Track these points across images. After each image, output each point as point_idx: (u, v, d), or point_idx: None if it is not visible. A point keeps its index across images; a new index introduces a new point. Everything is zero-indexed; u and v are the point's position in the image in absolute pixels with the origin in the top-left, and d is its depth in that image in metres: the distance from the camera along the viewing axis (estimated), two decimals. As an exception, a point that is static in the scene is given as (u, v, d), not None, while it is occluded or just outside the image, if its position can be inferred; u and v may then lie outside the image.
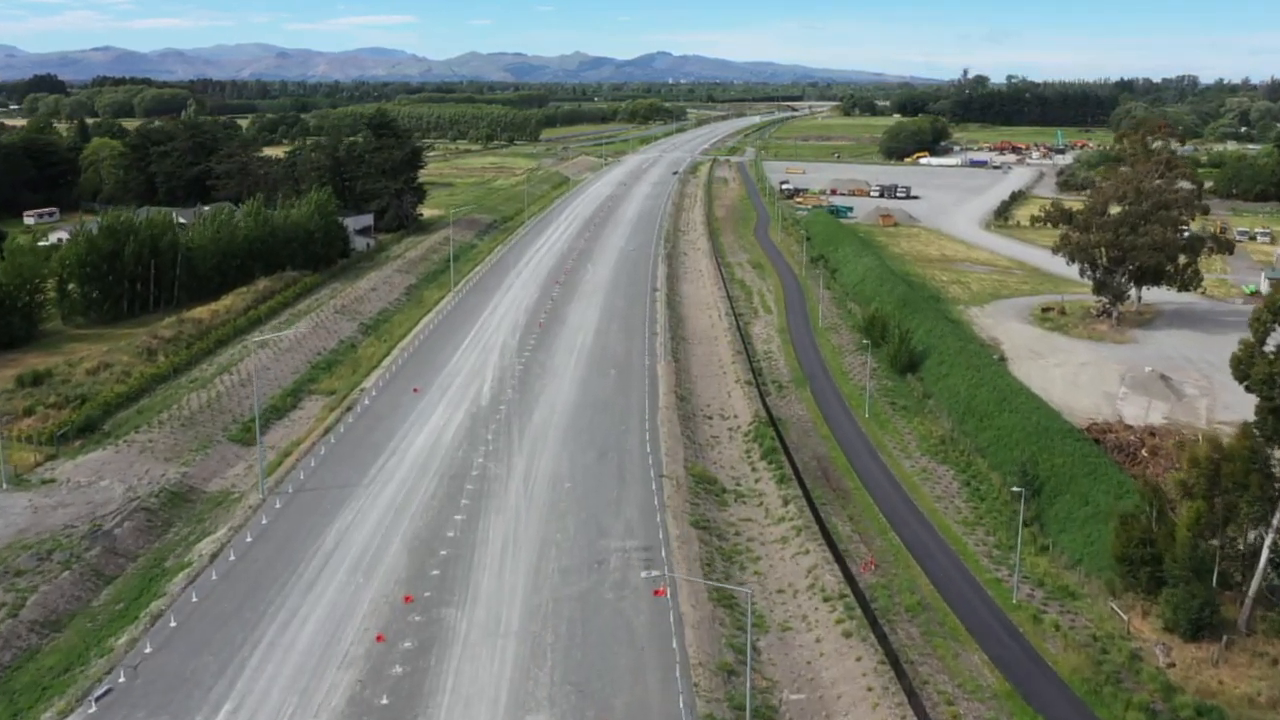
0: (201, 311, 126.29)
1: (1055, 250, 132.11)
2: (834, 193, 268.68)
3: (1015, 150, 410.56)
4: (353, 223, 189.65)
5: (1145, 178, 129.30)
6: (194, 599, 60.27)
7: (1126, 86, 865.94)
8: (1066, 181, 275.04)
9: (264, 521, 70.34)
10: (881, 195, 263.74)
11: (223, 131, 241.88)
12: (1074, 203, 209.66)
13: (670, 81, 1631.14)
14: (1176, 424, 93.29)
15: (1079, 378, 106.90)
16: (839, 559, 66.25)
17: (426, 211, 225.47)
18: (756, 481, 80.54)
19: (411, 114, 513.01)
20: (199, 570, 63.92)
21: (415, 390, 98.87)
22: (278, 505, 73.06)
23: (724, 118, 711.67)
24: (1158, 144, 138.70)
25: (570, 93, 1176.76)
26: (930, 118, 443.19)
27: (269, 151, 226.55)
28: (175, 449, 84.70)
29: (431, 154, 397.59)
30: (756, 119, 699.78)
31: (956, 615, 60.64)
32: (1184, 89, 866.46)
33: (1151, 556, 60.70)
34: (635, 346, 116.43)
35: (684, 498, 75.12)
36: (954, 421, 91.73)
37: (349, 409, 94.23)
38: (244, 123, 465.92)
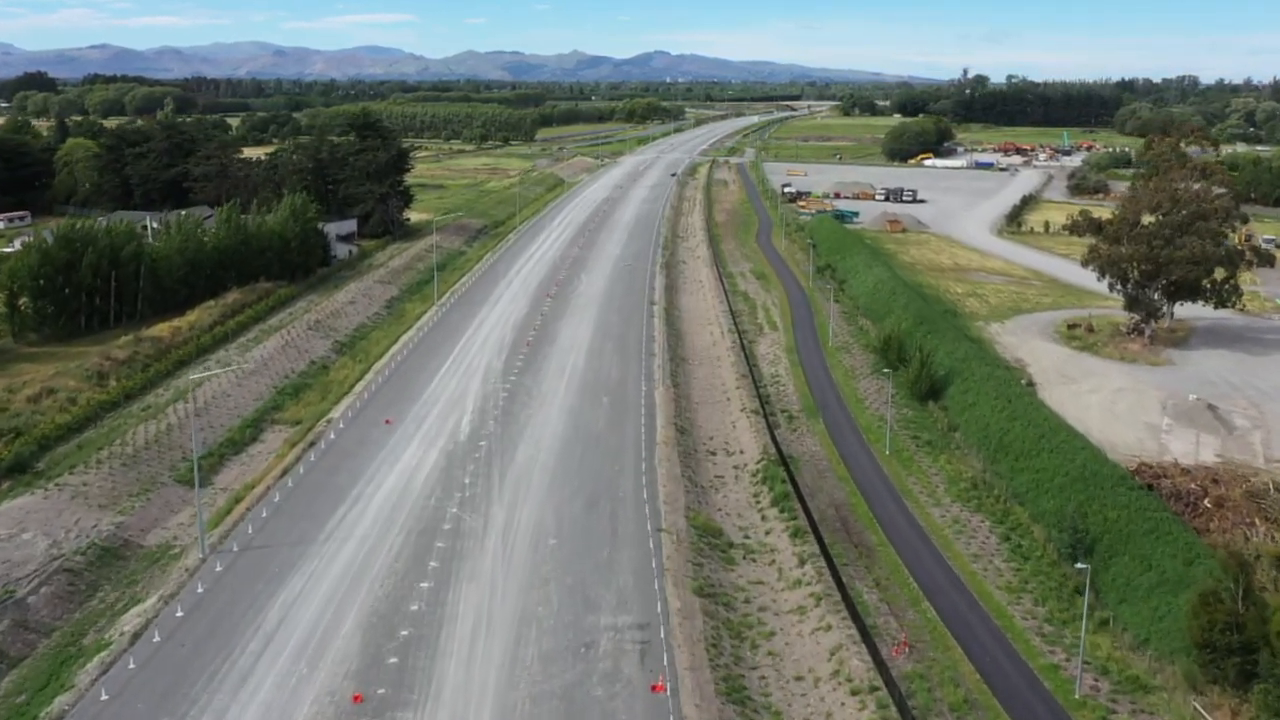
0: (162, 328, 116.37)
1: (1085, 263, 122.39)
2: (838, 196, 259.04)
3: (1019, 151, 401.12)
4: (335, 229, 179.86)
5: (1180, 186, 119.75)
6: (103, 696, 50.48)
7: (1128, 86, 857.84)
8: (1078, 185, 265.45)
9: (200, 590, 60.53)
10: (887, 199, 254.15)
11: (201, 132, 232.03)
12: (1091, 207, 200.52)
13: (668, 81, 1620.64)
14: (1231, 462, 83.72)
15: (1116, 406, 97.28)
16: (866, 638, 56.57)
17: (415, 216, 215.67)
18: (767, 534, 70.88)
19: (405, 113, 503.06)
20: (116, 655, 54.11)
21: (387, 422, 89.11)
22: (218, 568, 63.25)
23: (722, 117, 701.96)
24: (1191, 148, 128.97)
25: (567, 92, 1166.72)
26: (933, 118, 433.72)
27: (260, 151, 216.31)
28: (113, 493, 74.85)
29: (424, 155, 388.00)
30: (755, 119, 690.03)
31: (1011, 717, 50.94)
32: (1185, 89, 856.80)
33: (1240, 644, 51.10)
34: (631, 369, 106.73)
35: (685, 557, 65.45)
36: (985, 461, 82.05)
37: (312, 444, 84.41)
38: (235, 121, 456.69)
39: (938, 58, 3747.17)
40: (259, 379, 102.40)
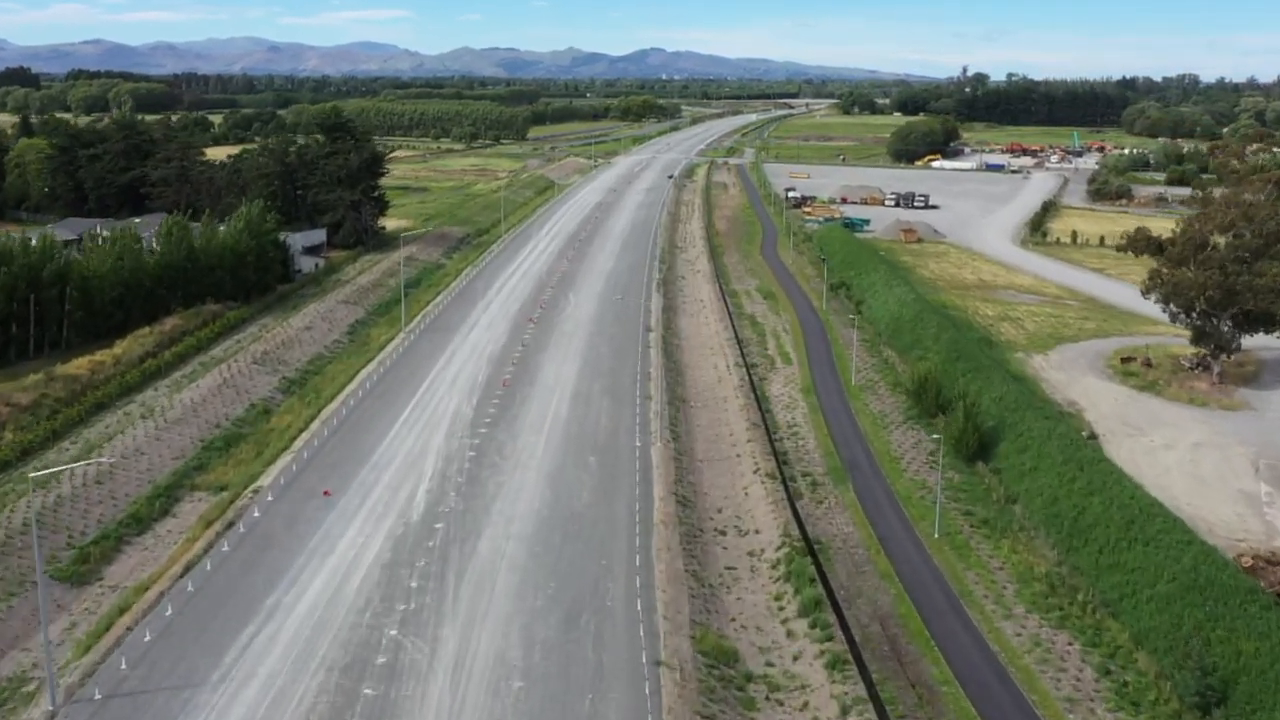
0: (81, 364, 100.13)
1: (1146, 290, 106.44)
2: (845, 201, 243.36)
3: (1026, 152, 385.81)
4: (301, 239, 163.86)
5: (1256, 201, 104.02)
6: None
7: (1129, 85, 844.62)
8: (1099, 190, 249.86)
9: (34, 769, 44.66)
10: (898, 204, 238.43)
11: (164, 131, 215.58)
12: (1117, 215, 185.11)
13: (664, 78, 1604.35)
14: (1358, 548, 68.06)
15: (1200, 468, 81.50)
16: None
17: (393, 222, 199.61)
18: (796, 659, 55.07)
19: (394, 111, 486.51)
20: None
21: (326, 494, 73.08)
22: (68, 729, 47.38)
23: (720, 116, 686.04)
24: (1263, 157, 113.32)
25: (563, 89, 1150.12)
26: (939, 117, 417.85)
27: (240, 150, 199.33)
28: (-35, 598, 58.93)
29: (410, 155, 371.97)
30: (753, 117, 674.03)
31: None
32: (1185, 88, 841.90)
33: None
34: (623, 416, 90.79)
35: (691, 704, 49.61)
36: (1059, 550, 66.26)
37: (231, 524, 68.38)
38: (217, 119, 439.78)
39: (933, 56, 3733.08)
40: (184, 429, 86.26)
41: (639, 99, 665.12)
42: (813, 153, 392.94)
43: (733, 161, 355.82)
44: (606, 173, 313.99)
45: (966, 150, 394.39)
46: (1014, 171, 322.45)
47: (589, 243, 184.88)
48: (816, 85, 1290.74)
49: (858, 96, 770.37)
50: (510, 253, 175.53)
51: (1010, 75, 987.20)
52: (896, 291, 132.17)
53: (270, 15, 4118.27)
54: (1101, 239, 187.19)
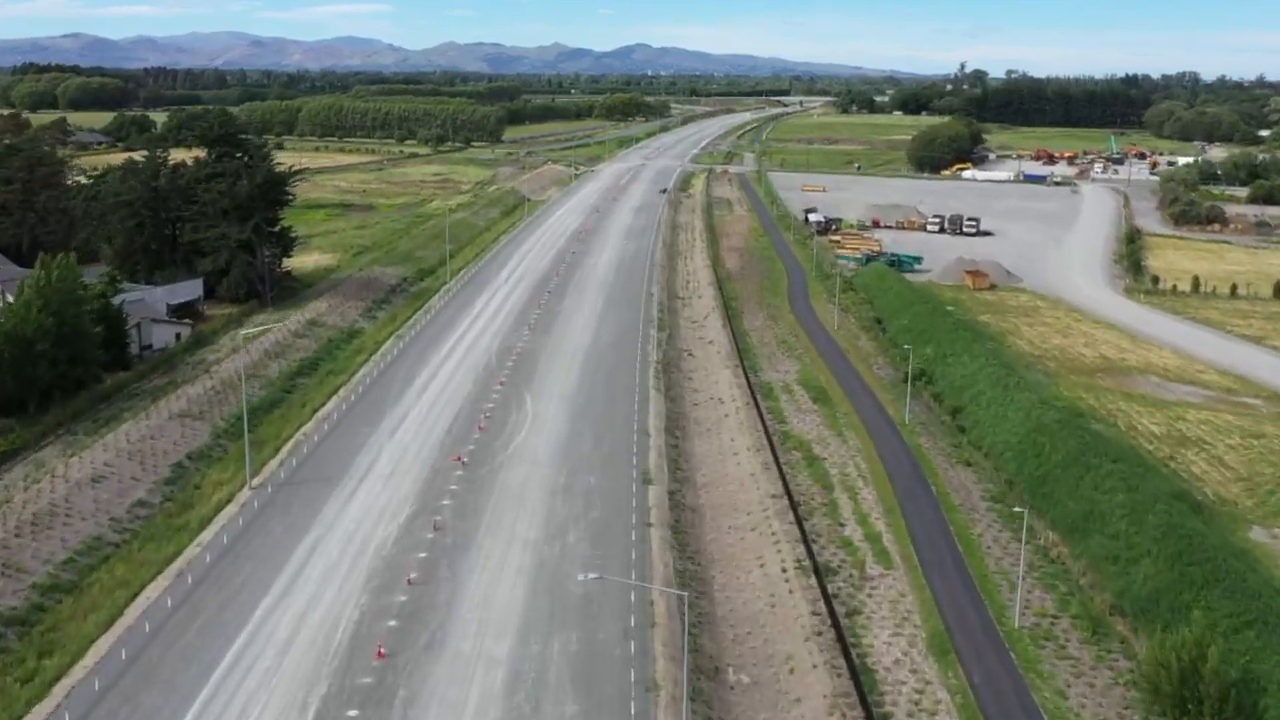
0: None
1: None
2: (877, 225, 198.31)
3: (1054, 159, 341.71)
4: (165, 295, 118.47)
5: None
6: None
7: (1133, 83, 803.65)
8: (1183, 212, 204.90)
9: None
10: (942, 230, 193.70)
11: (29, 142, 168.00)
12: (1215, 244, 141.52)
13: (649, 74, 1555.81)
14: None
15: None
16: None
17: (314, 259, 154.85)
18: None
19: (356, 109, 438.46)
20: None
21: None
22: None
23: (711, 114, 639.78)
24: None
25: (545, 85, 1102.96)
26: (964, 120, 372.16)
27: (188, 155, 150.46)
28: None
29: (368, 159, 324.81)
30: (747, 116, 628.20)
31: None
32: (1186, 86, 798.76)
33: None
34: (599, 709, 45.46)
35: None
36: None
37: None
38: (161, 118, 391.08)
39: (918, 52, 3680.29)
40: None
41: (625, 96, 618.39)
42: (820, 158, 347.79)
43: (732, 169, 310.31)
44: (588, 185, 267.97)
45: (991, 157, 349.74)
46: (1058, 183, 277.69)
47: (561, 294, 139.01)
48: (807, 82, 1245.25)
49: (856, 94, 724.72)
50: (456, 310, 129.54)
51: (1010, 72, 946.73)
52: (1016, 399, 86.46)
53: (251, 9, 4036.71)
54: (1233, 287, 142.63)
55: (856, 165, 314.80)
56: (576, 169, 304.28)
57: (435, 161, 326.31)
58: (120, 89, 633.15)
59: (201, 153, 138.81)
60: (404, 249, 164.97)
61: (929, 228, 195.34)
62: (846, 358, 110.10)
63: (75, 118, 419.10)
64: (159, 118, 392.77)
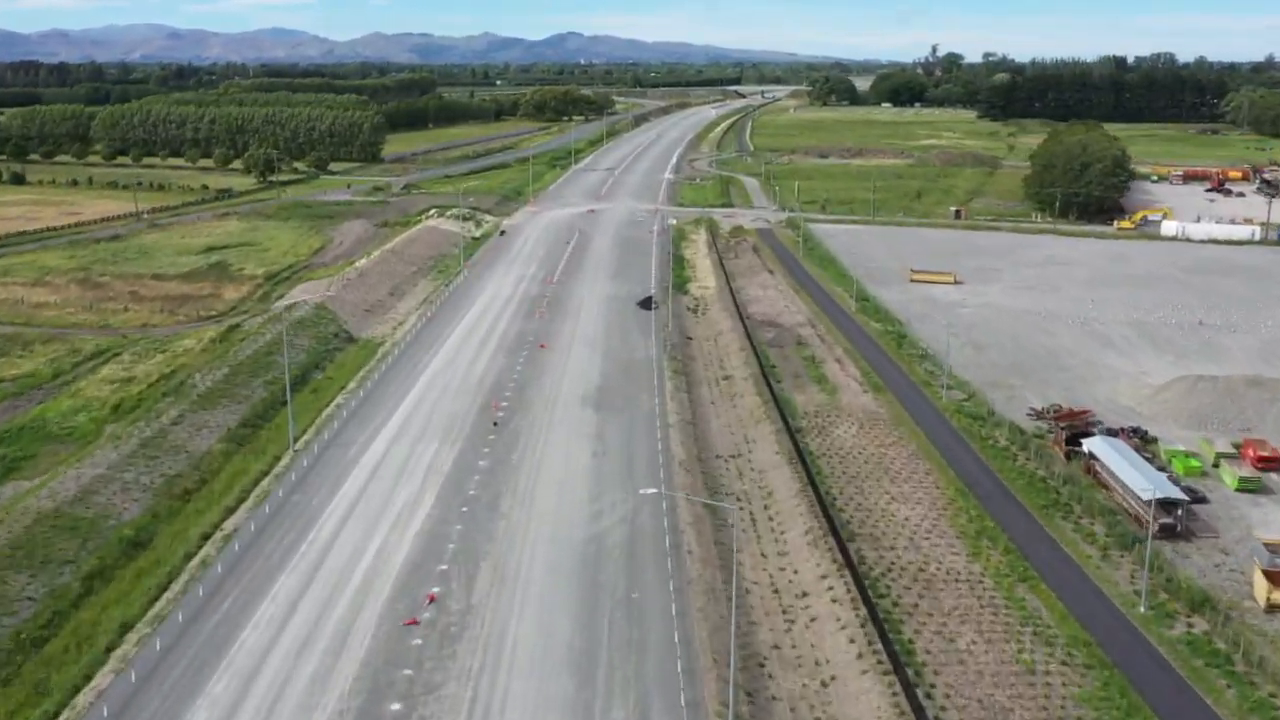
0: None
1: None
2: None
3: (1221, 183, 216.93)
4: None
5: None
6: None
7: (1122, 65, 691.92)
8: None
9: None
10: None
11: None
12: None
13: (583, 63, 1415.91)
14: None
15: None
16: None
17: None
18: None
19: (175, 116, 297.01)
20: None
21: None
22: None
23: (664, 111, 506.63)
24: None
25: (470, 76, 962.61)
26: (1087, 125, 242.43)
27: None
28: None
29: (113, 220, 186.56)
30: (710, 112, 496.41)
31: None
32: (1169, 67, 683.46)
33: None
34: None
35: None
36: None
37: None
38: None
39: (850, 39, 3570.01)
40: None
41: (557, 90, 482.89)
42: (856, 184, 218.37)
43: (744, 218, 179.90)
44: (493, 275, 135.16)
45: (1165, 178, 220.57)
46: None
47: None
48: (761, 69, 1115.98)
49: (835, 83, 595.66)
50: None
51: (987, 55, 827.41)
52: None
53: (174, 2, 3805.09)
54: None
55: (954, 210, 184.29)
56: (476, 219, 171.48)
57: (243, 209, 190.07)
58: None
59: None
60: None
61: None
62: None
63: None
64: None
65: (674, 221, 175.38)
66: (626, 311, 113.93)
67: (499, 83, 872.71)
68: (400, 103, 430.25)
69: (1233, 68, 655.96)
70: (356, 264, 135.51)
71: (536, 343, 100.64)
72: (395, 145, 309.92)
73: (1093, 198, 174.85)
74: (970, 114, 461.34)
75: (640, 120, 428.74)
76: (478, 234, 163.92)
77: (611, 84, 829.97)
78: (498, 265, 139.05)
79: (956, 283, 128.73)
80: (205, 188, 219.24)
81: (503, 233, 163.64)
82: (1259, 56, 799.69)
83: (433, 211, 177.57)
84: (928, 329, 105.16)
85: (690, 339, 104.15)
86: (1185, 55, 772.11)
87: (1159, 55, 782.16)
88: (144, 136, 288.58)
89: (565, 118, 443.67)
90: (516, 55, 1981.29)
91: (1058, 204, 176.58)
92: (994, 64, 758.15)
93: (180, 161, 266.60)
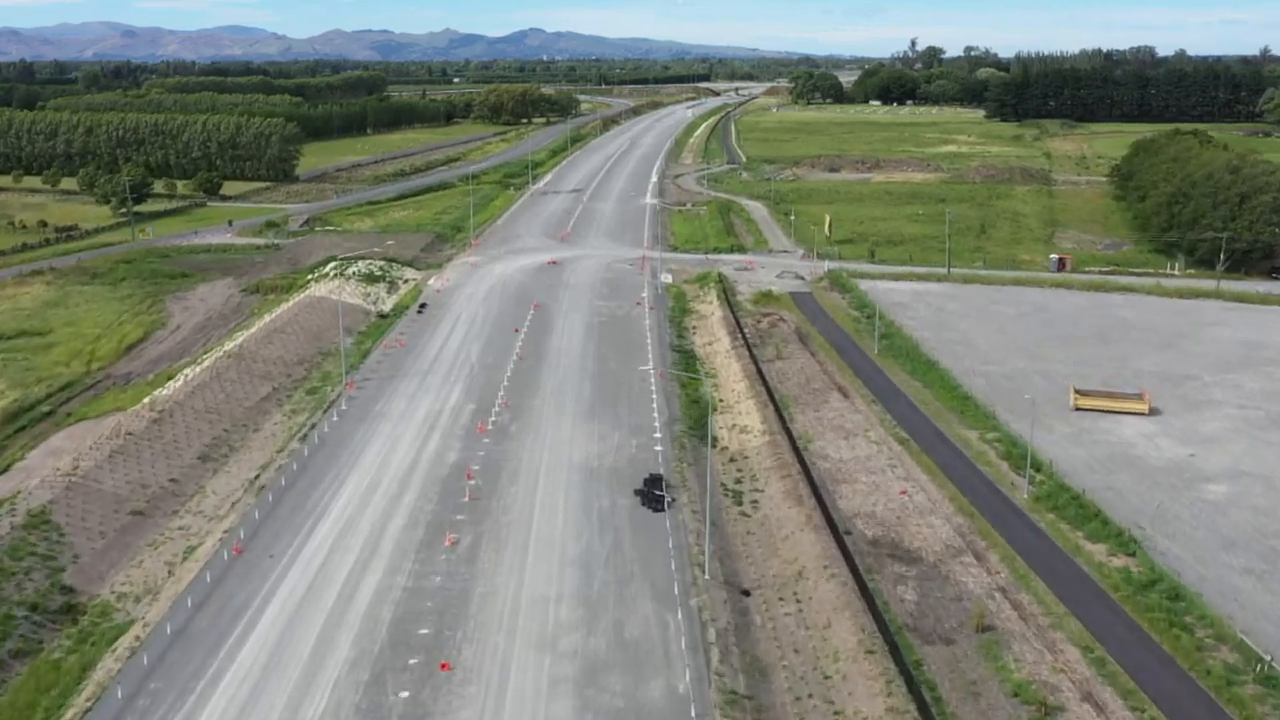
0: None
1: None
2: None
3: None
4: None
5: None
6: None
7: (1107, 57, 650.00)
8: None
9: None
10: None
11: None
12: None
13: (545, 59, 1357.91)
14: None
15: None
16: None
17: None
18: None
19: (43, 124, 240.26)
20: None
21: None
22: None
23: (635, 112, 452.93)
24: None
25: (428, 74, 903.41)
26: (1196, 131, 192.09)
27: None
28: None
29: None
30: (686, 112, 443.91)
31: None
32: (1149, 63, 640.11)
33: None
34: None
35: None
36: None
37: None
38: None
39: (815, 34, 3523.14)
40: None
41: (516, 89, 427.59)
42: (886, 210, 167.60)
43: (768, 273, 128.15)
44: (383, 417, 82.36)
45: None
46: None
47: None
48: (731, 65, 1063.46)
49: (819, 80, 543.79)
50: None
51: (969, 49, 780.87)
52: None
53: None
54: None
55: (1055, 260, 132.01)
56: (386, 290, 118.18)
57: (69, 261, 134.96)
58: None
59: None
60: None
61: None
62: None
63: None
64: None
65: (668, 279, 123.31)
66: (618, 513, 61.54)
67: (456, 80, 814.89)
68: (332, 104, 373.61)
69: (1246, 62, 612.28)
70: (171, 382, 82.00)
71: (439, 656, 47.85)
72: (320, 157, 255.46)
73: (1257, 242, 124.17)
74: (973, 113, 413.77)
75: (609, 123, 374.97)
76: (387, 308, 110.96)
77: (575, 81, 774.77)
78: (401, 383, 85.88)
79: (1151, 411, 77.59)
80: (44, 224, 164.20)
81: (422, 307, 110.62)
82: (1248, 51, 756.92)
83: (330, 269, 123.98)
84: (1181, 543, 53.89)
85: (748, 612, 51.69)
86: (1165, 49, 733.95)
87: (1139, 49, 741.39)
88: (2, 150, 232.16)
89: (524, 120, 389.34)
90: (479, 52, 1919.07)
91: (1195, 251, 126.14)
92: (977, 58, 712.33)
93: (37, 182, 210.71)
